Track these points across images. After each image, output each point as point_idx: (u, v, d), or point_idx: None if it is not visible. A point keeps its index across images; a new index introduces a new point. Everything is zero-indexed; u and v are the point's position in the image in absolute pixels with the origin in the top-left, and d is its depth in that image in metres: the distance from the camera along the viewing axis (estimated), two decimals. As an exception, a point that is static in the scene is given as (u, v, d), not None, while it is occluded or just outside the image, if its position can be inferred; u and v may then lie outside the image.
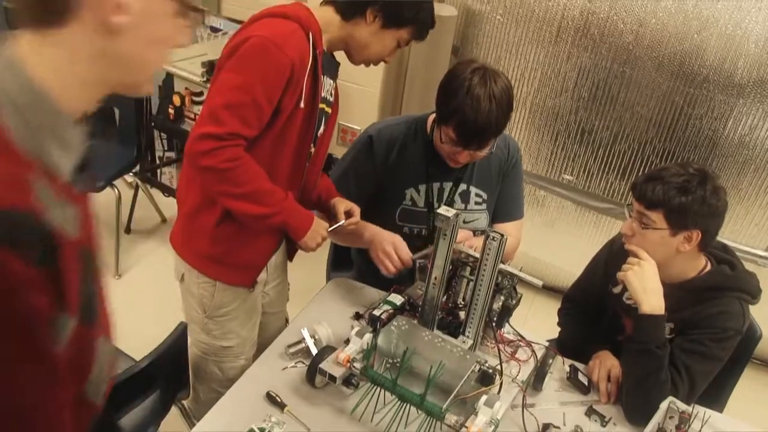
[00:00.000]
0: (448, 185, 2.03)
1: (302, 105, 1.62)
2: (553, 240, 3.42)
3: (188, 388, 2.00)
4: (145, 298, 3.28)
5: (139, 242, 3.75)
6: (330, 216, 1.91)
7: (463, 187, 2.04)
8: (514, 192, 2.15)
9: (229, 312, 1.89)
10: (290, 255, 2.06)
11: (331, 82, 1.79)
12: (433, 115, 1.94)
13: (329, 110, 1.83)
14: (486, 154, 1.88)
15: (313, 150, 1.81)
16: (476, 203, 2.06)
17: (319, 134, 1.81)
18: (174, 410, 2.01)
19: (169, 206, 3.98)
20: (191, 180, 1.78)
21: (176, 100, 3.48)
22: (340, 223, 1.85)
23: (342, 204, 1.90)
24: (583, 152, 3.16)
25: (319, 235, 1.77)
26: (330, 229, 1.81)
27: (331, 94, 1.81)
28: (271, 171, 1.68)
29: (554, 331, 2.19)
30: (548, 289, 3.50)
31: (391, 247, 1.86)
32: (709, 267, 1.83)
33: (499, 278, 1.66)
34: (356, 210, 1.90)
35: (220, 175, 1.58)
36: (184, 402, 2.04)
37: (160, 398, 1.88)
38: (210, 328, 1.91)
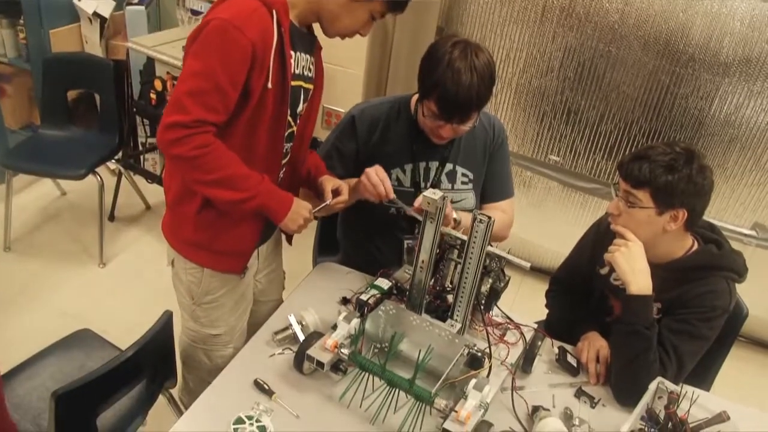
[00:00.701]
0: (434, 165, 2.02)
1: (270, 85, 1.58)
2: (540, 221, 3.42)
3: (175, 377, 1.98)
4: (131, 286, 3.26)
5: (123, 230, 3.71)
6: (318, 194, 1.88)
7: (449, 166, 2.03)
8: (503, 171, 2.14)
9: (217, 299, 1.87)
10: (288, 238, 2.04)
11: (308, 57, 1.75)
12: (417, 95, 1.92)
13: (309, 86, 1.78)
14: (469, 129, 1.87)
15: (295, 129, 1.78)
16: (462, 183, 2.05)
17: (299, 112, 1.77)
18: (162, 399, 1.99)
19: (153, 193, 3.94)
20: (172, 168, 1.76)
21: (158, 84, 3.44)
22: (326, 203, 1.82)
23: (329, 182, 1.87)
24: (570, 132, 3.15)
25: (301, 216, 1.73)
26: (315, 210, 1.78)
27: (309, 70, 1.77)
28: (247, 154, 1.65)
29: (542, 313, 2.19)
30: (536, 271, 3.50)
31: (376, 177, 1.82)
32: (696, 246, 1.82)
33: (487, 261, 1.65)
34: (344, 188, 1.86)
35: (190, 162, 1.55)
36: (172, 391, 2.03)
37: (147, 388, 1.87)
38: (198, 315, 1.89)
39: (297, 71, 1.68)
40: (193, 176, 1.61)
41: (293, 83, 1.67)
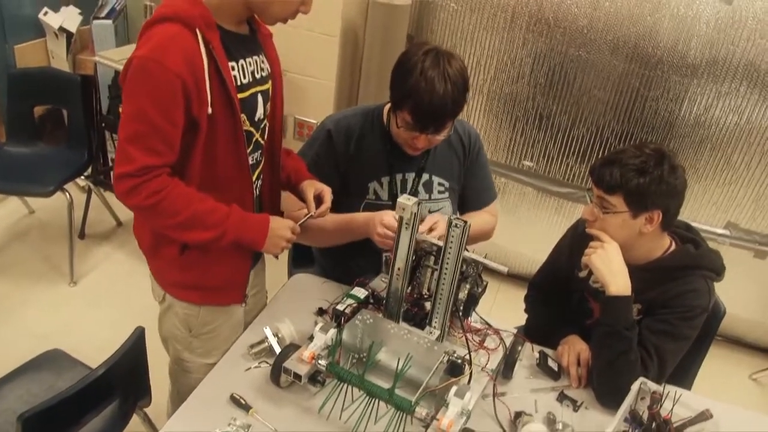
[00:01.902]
0: (410, 176, 1.99)
1: (210, 111, 1.49)
2: (516, 227, 3.41)
3: (149, 396, 1.92)
4: (103, 305, 3.19)
5: (93, 248, 3.63)
6: (301, 200, 1.83)
7: (425, 177, 2.01)
8: (485, 176, 2.14)
9: (215, 329, 1.82)
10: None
11: (255, 58, 1.65)
12: (389, 105, 1.89)
13: (266, 86, 1.69)
14: (444, 137, 1.84)
15: (258, 136, 1.70)
16: (439, 192, 2.03)
17: (258, 117, 1.68)
18: (136, 419, 1.93)
19: (124, 209, 3.82)
20: (139, 218, 1.71)
21: (126, 99, 3.37)
22: (308, 216, 1.77)
23: (311, 188, 1.80)
24: (542, 137, 3.16)
25: (282, 239, 1.68)
26: (300, 223, 1.73)
27: (261, 70, 1.67)
28: (211, 181, 1.59)
29: (521, 320, 2.17)
30: (513, 277, 3.49)
31: (383, 229, 1.77)
32: (673, 247, 1.82)
33: (464, 266, 1.62)
34: (326, 193, 1.80)
35: (149, 211, 1.50)
36: (146, 410, 1.97)
37: (120, 407, 1.81)
38: (195, 346, 1.84)
39: (245, 81, 1.60)
40: (158, 223, 1.57)
41: (243, 94, 1.59)
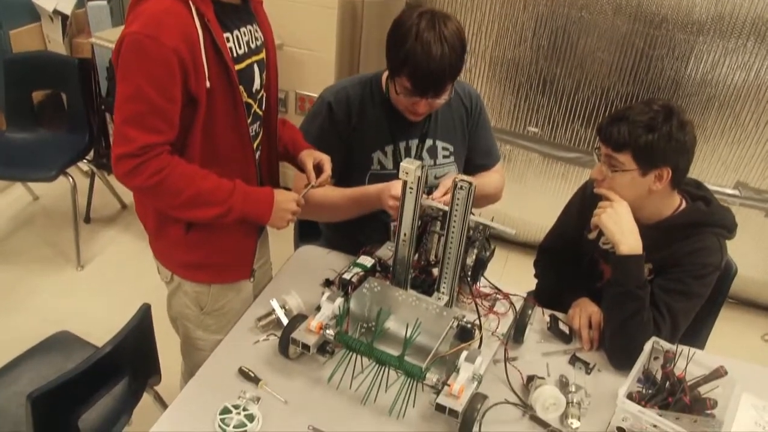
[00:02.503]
0: (414, 143, 1.96)
1: (208, 84, 1.46)
2: (522, 194, 3.38)
3: (159, 374, 1.92)
4: (111, 288, 3.19)
5: (100, 231, 3.62)
6: (301, 171, 1.80)
7: (429, 142, 1.98)
8: (488, 137, 2.11)
9: (226, 304, 1.81)
10: None
11: (249, 27, 1.61)
12: (387, 72, 1.86)
13: (261, 56, 1.66)
14: (445, 101, 1.81)
15: (256, 107, 1.67)
16: (444, 156, 2.00)
17: (256, 89, 1.65)
18: (147, 397, 1.93)
19: (128, 191, 3.83)
20: (141, 199, 1.69)
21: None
22: (310, 186, 1.73)
23: (310, 158, 1.77)
24: (547, 102, 3.11)
25: (287, 211, 1.65)
26: (302, 194, 1.70)
27: (255, 39, 1.63)
28: (213, 156, 1.56)
29: (530, 286, 2.14)
30: (522, 245, 3.47)
31: (393, 201, 1.74)
32: (684, 205, 1.79)
33: (471, 231, 1.60)
34: (326, 161, 1.77)
35: (152, 191, 1.47)
36: (156, 389, 1.96)
37: (130, 386, 1.80)
38: (207, 323, 1.83)
39: (240, 52, 1.56)
40: (161, 203, 1.54)
41: (240, 65, 1.56)
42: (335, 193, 1.93)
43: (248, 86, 1.61)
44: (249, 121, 1.63)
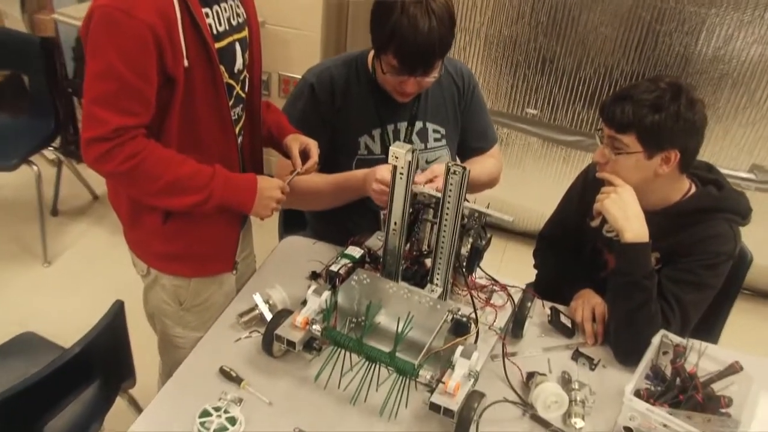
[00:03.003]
0: (402, 125, 1.97)
1: (186, 63, 1.45)
2: (521, 180, 3.39)
3: (134, 376, 1.92)
4: (81, 285, 3.18)
5: (68, 224, 3.62)
6: (286, 156, 1.81)
7: (419, 125, 1.98)
8: (483, 117, 2.12)
9: (207, 299, 1.81)
10: None
11: (231, 2, 1.60)
12: (373, 52, 1.86)
13: (243, 34, 1.66)
14: (435, 79, 1.81)
15: (238, 89, 1.67)
16: (435, 140, 2.01)
17: (238, 69, 1.64)
18: (120, 401, 1.93)
19: (100, 181, 3.82)
20: (114, 186, 1.68)
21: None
22: (296, 173, 1.74)
23: (295, 144, 1.77)
24: (546, 82, 3.12)
25: (271, 199, 1.66)
26: (287, 181, 1.71)
27: (237, 15, 1.63)
28: (192, 140, 1.56)
29: (530, 278, 2.16)
30: (520, 234, 3.48)
31: (378, 185, 1.76)
32: (693, 189, 1.79)
33: (465, 218, 1.60)
34: (312, 146, 1.77)
35: (126, 177, 1.47)
36: (131, 392, 1.96)
37: (101, 390, 1.80)
38: (187, 320, 1.83)
39: (221, 29, 1.55)
40: (136, 190, 1.54)
41: (221, 44, 1.55)
42: (320, 179, 1.94)
43: (229, 66, 1.60)
44: (231, 103, 1.63)
